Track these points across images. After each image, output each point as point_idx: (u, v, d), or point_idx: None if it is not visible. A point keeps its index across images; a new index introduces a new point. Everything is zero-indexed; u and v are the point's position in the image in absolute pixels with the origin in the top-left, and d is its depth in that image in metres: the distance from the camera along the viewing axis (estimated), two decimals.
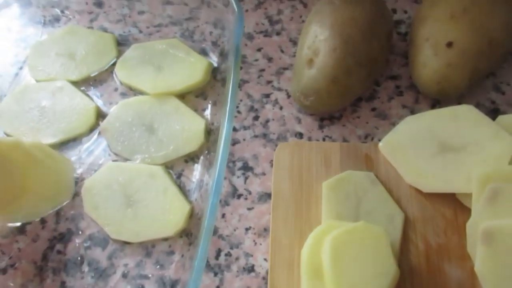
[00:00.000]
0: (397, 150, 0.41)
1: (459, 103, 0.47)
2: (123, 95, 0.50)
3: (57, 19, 0.56)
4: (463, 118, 0.40)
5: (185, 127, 0.45)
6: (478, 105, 0.47)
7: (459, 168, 0.39)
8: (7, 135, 0.47)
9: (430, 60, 0.44)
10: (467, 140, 0.39)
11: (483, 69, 0.44)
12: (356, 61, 0.43)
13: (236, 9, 0.45)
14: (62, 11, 0.56)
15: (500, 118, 0.40)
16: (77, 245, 0.41)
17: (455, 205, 0.40)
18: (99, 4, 0.57)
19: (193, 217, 0.42)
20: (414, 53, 0.46)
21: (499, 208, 0.35)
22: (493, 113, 0.46)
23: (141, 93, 0.49)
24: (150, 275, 0.40)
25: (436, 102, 0.47)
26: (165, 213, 0.41)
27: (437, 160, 0.40)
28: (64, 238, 0.42)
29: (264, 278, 0.40)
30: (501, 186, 0.35)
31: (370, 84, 0.48)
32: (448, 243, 0.38)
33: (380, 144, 0.43)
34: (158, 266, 0.40)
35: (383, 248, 0.35)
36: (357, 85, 0.44)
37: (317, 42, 0.44)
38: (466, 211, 0.39)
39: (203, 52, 0.52)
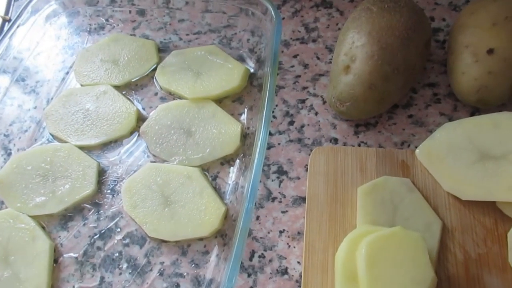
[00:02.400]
0: (434, 157, 0.41)
1: (500, 111, 0.47)
2: (163, 99, 0.51)
3: (102, 27, 0.59)
4: (504, 126, 0.39)
5: (222, 131, 0.46)
6: None
7: (500, 177, 0.38)
8: (53, 135, 0.49)
9: (470, 67, 0.43)
10: (508, 148, 0.38)
11: None
12: (394, 68, 0.43)
13: (274, 17, 0.46)
14: (106, 20, 0.59)
15: None
16: (116, 242, 0.43)
17: (495, 214, 0.39)
18: (142, 13, 0.59)
19: (228, 218, 0.42)
20: (453, 60, 0.45)
21: None
22: None
23: (180, 97, 0.50)
24: (185, 274, 0.41)
25: (476, 111, 0.47)
26: (201, 213, 0.42)
27: (476, 168, 0.39)
28: (104, 235, 0.43)
29: (298, 281, 0.40)
30: None
31: (407, 91, 0.48)
32: (488, 253, 0.38)
33: (417, 150, 0.42)
34: (193, 265, 0.41)
35: (421, 254, 0.34)
36: (394, 92, 0.44)
37: (354, 48, 0.44)
38: (507, 220, 0.38)
39: (241, 59, 0.53)
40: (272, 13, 0.47)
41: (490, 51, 0.42)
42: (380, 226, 0.38)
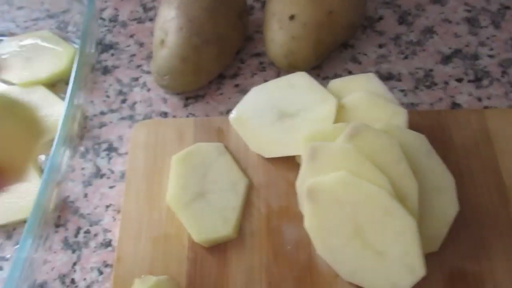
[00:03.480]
0: (243, 120, 0.43)
1: (318, 74, 0.50)
2: None
3: None
4: (298, 85, 0.42)
5: (48, 114, 0.47)
6: (335, 76, 0.50)
7: (294, 132, 0.41)
8: None
9: (277, 34, 0.46)
10: (301, 105, 0.41)
11: (328, 40, 0.46)
12: (203, 39, 0.45)
13: None
14: None
15: (332, 82, 0.42)
16: None
17: (296, 168, 0.42)
18: None
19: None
20: (265, 29, 0.48)
21: (320, 165, 0.37)
22: None
23: (11, 84, 0.50)
24: (8, 256, 0.41)
25: None
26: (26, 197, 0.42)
27: (276, 126, 0.42)
28: None
29: None
30: (320, 144, 0.37)
31: (228, 61, 0.49)
32: (288, 205, 0.40)
33: (230, 116, 0.44)
34: (16, 247, 0.41)
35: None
36: (208, 62, 0.46)
37: (166, 22, 0.45)
38: None
39: (75, 42, 0.53)
40: None
41: (292, 17, 0.45)
42: (190, 191, 0.40)
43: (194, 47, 0.44)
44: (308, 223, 0.37)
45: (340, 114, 0.40)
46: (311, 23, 0.45)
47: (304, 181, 0.38)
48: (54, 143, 0.39)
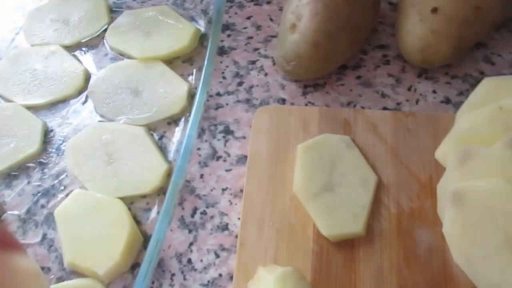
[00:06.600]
0: None
1: (446, 73, 0.47)
2: (113, 60, 0.51)
3: None
4: None
5: (169, 91, 0.46)
6: (466, 75, 0.47)
7: None
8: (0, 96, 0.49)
9: (415, 26, 0.43)
10: None
11: (469, 38, 0.43)
12: (338, 26, 0.43)
13: None
14: None
15: (487, 80, 0.39)
16: (59, 199, 0.43)
17: (431, 170, 0.39)
18: None
19: (171, 176, 0.42)
20: (400, 20, 0.45)
21: (470, 170, 0.34)
22: None
23: (130, 58, 0.50)
24: None
25: (423, 72, 0.47)
26: (143, 171, 0.42)
27: None
28: (48, 193, 0.43)
29: (237, 237, 0.40)
30: (474, 148, 0.34)
31: (355, 52, 0.48)
32: (420, 207, 0.38)
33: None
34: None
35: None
36: (339, 51, 0.44)
37: (300, 6, 0.44)
38: (441, 176, 0.39)
39: (193, 20, 0.52)
40: None
41: (434, 10, 0.42)
42: (318, 183, 0.38)
43: (328, 34, 0.42)
44: (448, 229, 0.35)
45: (497, 117, 0.37)
46: (455, 17, 0.42)
47: (449, 184, 0.35)
48: (189, 126, 0.38)
